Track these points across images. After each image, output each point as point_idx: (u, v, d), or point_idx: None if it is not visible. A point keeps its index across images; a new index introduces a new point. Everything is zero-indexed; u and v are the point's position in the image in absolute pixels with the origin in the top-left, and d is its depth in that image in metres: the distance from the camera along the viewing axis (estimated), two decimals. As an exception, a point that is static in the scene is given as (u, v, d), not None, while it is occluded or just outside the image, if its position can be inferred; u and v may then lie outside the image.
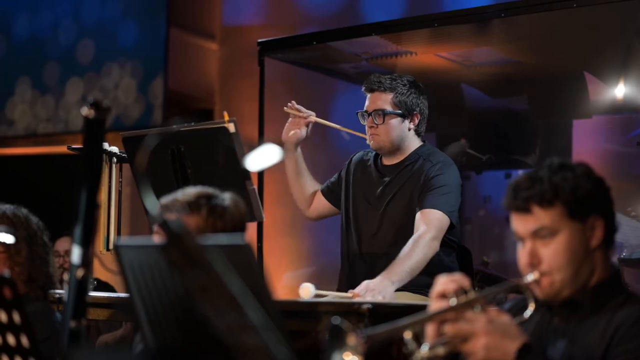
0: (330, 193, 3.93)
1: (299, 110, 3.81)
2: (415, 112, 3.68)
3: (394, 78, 3.68)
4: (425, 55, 5.34)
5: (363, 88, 3.73)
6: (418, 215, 3.55)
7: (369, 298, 3.32)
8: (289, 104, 3.83)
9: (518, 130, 5.69)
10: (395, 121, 3.65)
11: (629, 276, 4.58)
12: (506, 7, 4.53)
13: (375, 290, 3.35)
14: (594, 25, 4.71)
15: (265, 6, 6.85)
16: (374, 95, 3.68)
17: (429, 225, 3.50)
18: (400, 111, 3.65)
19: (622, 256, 4.45)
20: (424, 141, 3.76)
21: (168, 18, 6.95)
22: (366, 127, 3.70)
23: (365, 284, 3.39)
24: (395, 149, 3.69)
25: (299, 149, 3.87)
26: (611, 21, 4.62)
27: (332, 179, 3.96)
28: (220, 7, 7.01)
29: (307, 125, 3.82)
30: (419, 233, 3.49)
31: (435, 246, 3.50)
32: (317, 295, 3.32)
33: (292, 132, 3.82)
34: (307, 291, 3.29)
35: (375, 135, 3.67)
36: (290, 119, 3.83)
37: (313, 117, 3.83)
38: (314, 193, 3.96)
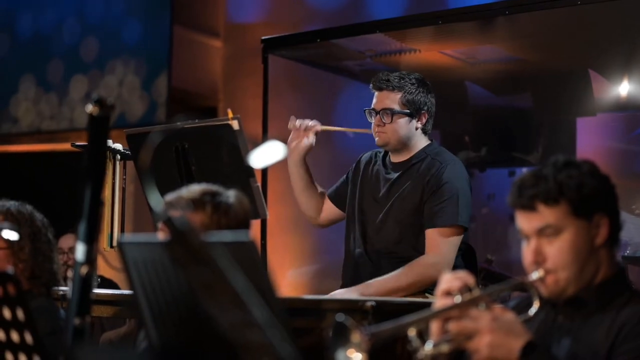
0: (337, 197, 3.88)
1: (299, 126, 3.75)
2: (423, 112, 3.63)
3: (402, 76, 3.64)
4: (429, 52, 5.32)
5: (371, 86, 3.69)
6: (428, 233, 3.50)
7: None
8: (290, 121, 3.79)
9: (522, 127, 5.67)
10: (403, 120, 3.62)
11: (632, 274, 4.57)
12: (510, 5, 4.51)
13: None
14: (597, 23, 4.70)
15: (269, 4, 6.84)
16: (381, 94, 3.64)
17: (435, 251, 3.46)
18: (408, 110, 3.60)
19: (625, 254, 4.45)
20: (431, 139, 3.73)
21: (172, 15, 6.95)
22: (373, 125, 3.66)
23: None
24: (402, 147, 3.66)
25: (304, 160, 3.83)
26: (615, 19, 4.61)
27: (339, 183, 3.90)
28: (224, 5, 7.01)
29: (315, 134, 3.78)
30: (420, 259, 3.46)
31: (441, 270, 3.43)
32: None
33: (294, 143, 3.78)
34: None
35: (382, 133, 3.63)
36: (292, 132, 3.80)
37: (318, 127, 3.78)
38: (322, 200, 3.91)
